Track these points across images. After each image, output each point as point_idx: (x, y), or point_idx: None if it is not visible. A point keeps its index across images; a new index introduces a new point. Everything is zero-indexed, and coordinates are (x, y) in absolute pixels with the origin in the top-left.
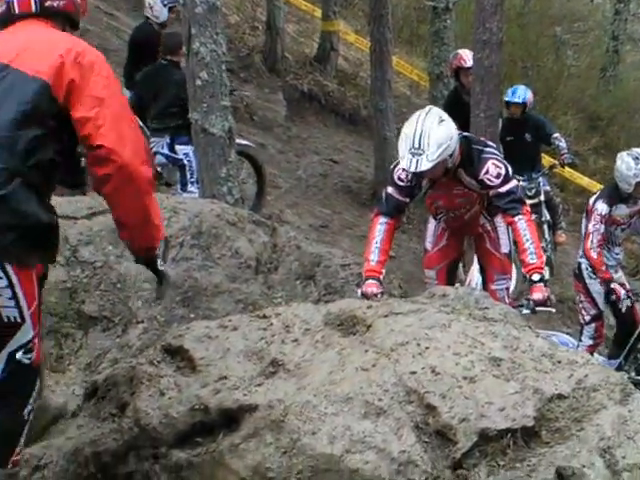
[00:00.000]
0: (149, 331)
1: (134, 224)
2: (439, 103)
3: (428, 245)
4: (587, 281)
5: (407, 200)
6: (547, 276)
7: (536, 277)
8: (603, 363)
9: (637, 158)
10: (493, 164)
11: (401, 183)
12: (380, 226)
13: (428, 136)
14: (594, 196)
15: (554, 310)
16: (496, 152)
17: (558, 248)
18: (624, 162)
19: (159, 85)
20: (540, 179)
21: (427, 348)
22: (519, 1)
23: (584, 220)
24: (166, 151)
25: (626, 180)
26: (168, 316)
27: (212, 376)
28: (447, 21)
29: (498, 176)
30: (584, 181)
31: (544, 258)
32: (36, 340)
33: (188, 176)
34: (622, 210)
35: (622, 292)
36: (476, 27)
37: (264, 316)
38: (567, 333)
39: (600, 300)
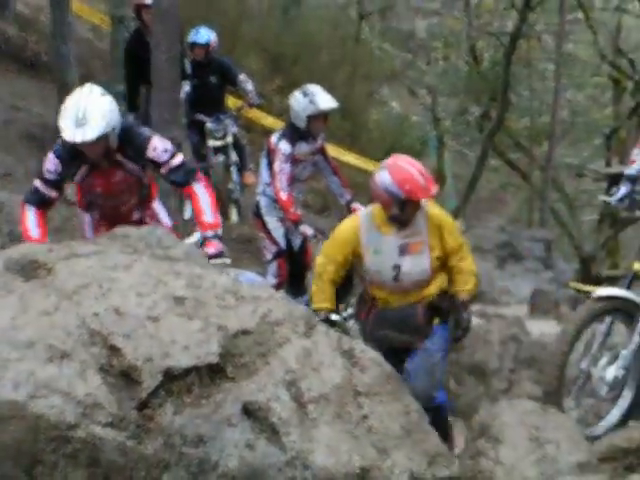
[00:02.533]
0: None
1: None
2: (121, 47)
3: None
4: (265, 219)
5: (53, 195)
6: (235, 219)
7: (210, 233)
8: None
9: (305, 92)
10: (158, 139)
11: (50, 176)
12: (29, 214)
13: (92, 107)
14: (275, 135)
15: (229, 261)
16: (152, 131)
17: (246, 189)
18: (295, 99)
19: None
20: (227, 121)
21: (109, 289)
22: None
23: (264, 159)
24: None
25: (299, 116)
26: None
27: None
28: None
29: (166, 150)
30: (269, 121)
31: (219, 220)
32: None
33: None
34: (303, 148)
35: (310, 232)
36: None
37: None
38: (257, 272)
39: (280, 237)
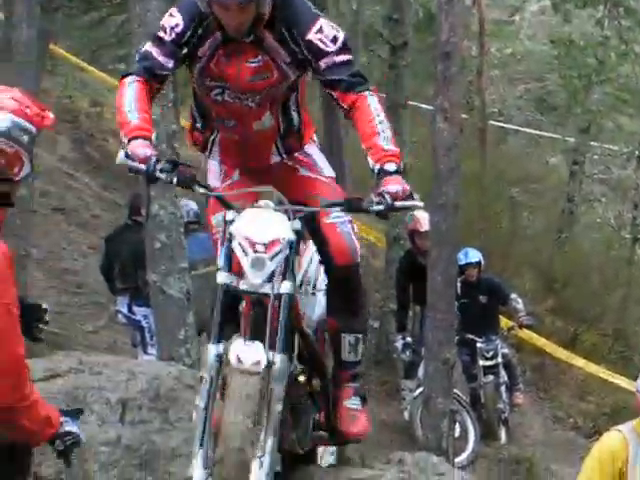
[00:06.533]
0: None
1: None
2: (394, 265)
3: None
4: None
5: (169, 65)
6: (504, 439)
7: (392, 167)
8: None
9: None
10: (328, 23)
11: (165, 36)
12: (129, 87)
13: None
14: None
15: (421, 204)
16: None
17: (515, 409)
18: None
19: (120, 245)
20: (498, 341)
21: None
22: (476, 164)
23: None
24: (125, 311)
25: None
26: None
27: None
28: None
29: (335, 40)
30: (541, 342)
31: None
32: None
33: (147, 338)
34: None
35: None
36: (433, 191)
37: None
38: None
39: None
